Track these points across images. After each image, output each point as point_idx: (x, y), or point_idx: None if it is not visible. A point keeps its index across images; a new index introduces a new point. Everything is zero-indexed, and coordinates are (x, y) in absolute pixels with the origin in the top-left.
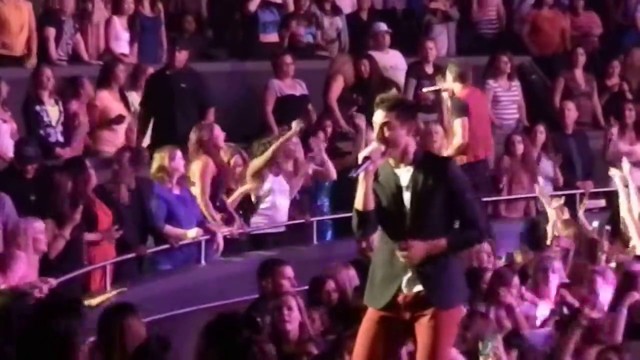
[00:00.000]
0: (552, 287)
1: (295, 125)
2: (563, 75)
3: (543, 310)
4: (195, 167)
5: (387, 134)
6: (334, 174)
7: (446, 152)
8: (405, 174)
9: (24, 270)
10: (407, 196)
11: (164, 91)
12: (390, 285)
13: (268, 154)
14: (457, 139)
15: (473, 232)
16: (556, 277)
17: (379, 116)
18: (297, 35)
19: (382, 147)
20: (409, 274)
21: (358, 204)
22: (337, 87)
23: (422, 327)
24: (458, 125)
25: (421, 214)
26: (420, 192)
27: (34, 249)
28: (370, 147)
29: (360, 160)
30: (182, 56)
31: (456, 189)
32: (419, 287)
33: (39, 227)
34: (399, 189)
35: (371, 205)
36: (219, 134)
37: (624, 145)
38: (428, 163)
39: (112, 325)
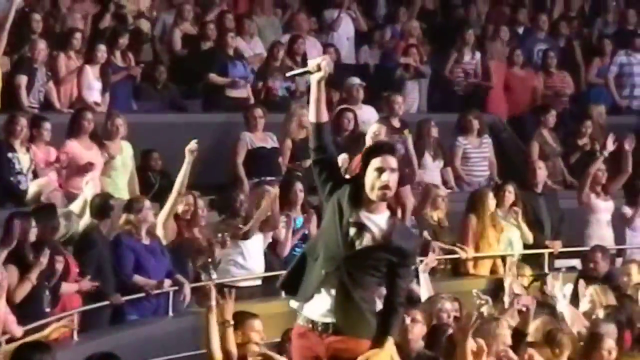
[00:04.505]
0: None
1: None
2: (536, 137)
3: None
4: None
5: (392, 178)
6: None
7: None
8: (376, 219)
9: None
10: (367, 238)
11: None
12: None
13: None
14: None
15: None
16: None
17: (390, 161)
18: (273, 89)
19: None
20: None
21: (312, 116)
22: (287, 147)
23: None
24: None
25: (365, 259)
26: (379, 249)
27: None
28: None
29: (311, 68)
30: None
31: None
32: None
33: None
34: (360, 226)
35: (324, 117)
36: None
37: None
38: (404, 234)
39: None
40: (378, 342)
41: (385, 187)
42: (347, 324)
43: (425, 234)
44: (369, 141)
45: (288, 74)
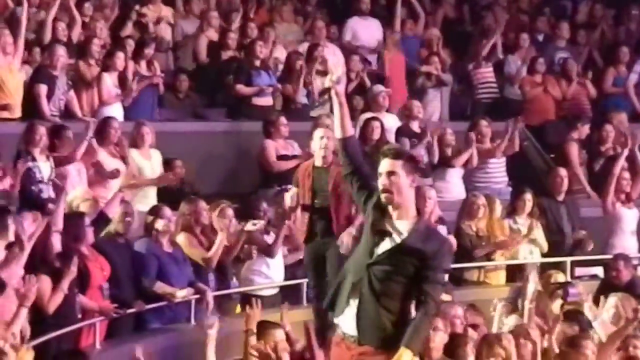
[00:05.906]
0: None
1: None
2: (573, 140)
3: None
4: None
5: (388, 182)
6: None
7: None
8: (399, 225)
9: None
10: (386, 244)
11: None
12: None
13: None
14: None
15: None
16: None
17: (388, 165)
18: (293, 98)
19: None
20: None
21: (337, 132)
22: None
23: None
24: None
25: (385, 265)
26: (396, 253)
27: None
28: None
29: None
30: None
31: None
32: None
33: None
34: (382, 232)
35: (349, 131)
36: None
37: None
38: (425, 235)
39: None
40: (397, 353)
41: (384, 190)
42: (362, 332)
43: None
44: (316, 146)
45: (317, 93)
